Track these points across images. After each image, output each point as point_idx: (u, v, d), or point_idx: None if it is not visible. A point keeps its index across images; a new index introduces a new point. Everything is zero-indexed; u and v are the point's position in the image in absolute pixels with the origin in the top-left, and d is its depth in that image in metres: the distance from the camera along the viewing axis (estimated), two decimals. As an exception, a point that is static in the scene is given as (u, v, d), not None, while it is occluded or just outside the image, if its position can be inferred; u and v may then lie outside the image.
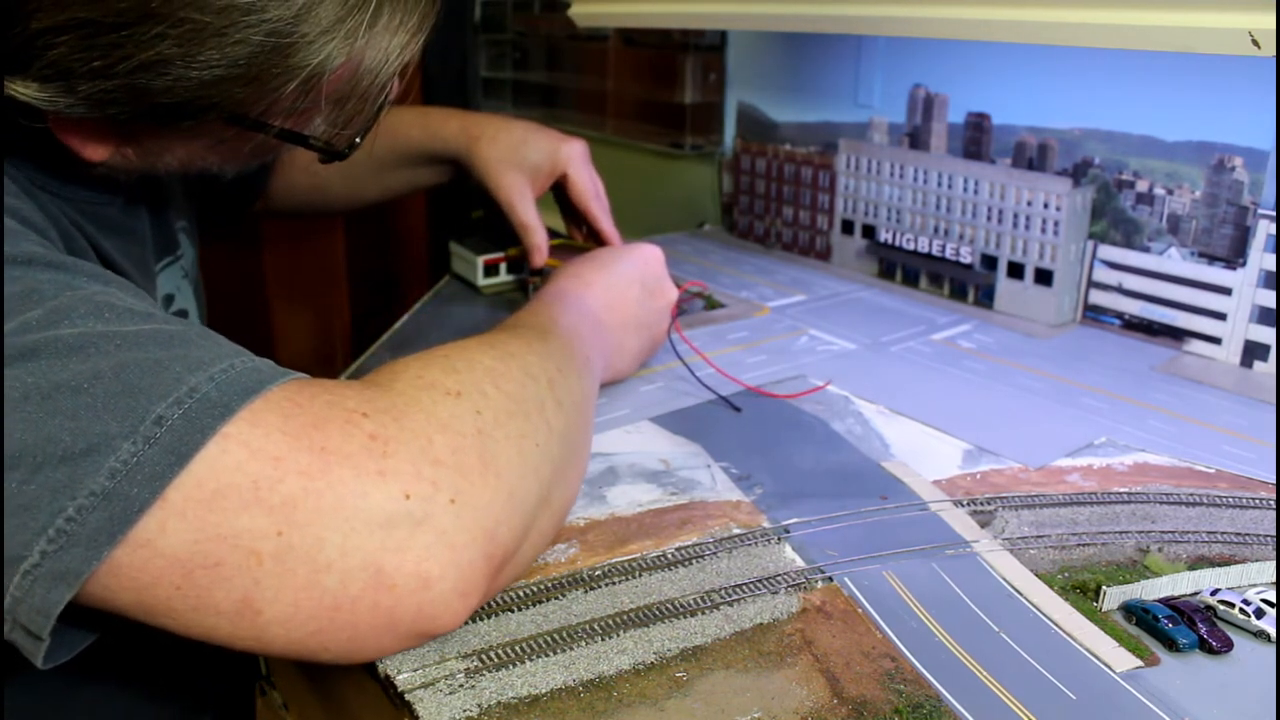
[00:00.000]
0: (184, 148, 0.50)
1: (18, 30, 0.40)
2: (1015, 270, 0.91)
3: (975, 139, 0.93)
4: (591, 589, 0.48)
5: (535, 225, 0.87)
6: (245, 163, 0.54)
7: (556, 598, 0.47)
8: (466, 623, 0.45)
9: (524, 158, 0.86)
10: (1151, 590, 0.48)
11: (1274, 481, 0.59)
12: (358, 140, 0.51)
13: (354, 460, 0.39)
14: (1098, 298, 0.88)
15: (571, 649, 0.44)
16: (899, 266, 1.02)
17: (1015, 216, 0.90)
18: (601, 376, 0.65)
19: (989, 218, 0.92)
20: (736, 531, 0.53)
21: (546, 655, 0.43)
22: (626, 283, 0.69)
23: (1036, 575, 0.50)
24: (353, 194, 0.96)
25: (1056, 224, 0.86)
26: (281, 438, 0.38)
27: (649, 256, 0.72)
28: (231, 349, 0.41)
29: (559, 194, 0.92)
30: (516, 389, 0.47)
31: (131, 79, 0.41)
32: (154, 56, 0.41)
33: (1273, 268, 0.75)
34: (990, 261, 0.93)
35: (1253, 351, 0.78)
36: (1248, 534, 0.54)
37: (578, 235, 0.94)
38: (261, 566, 0.37)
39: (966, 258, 0.95)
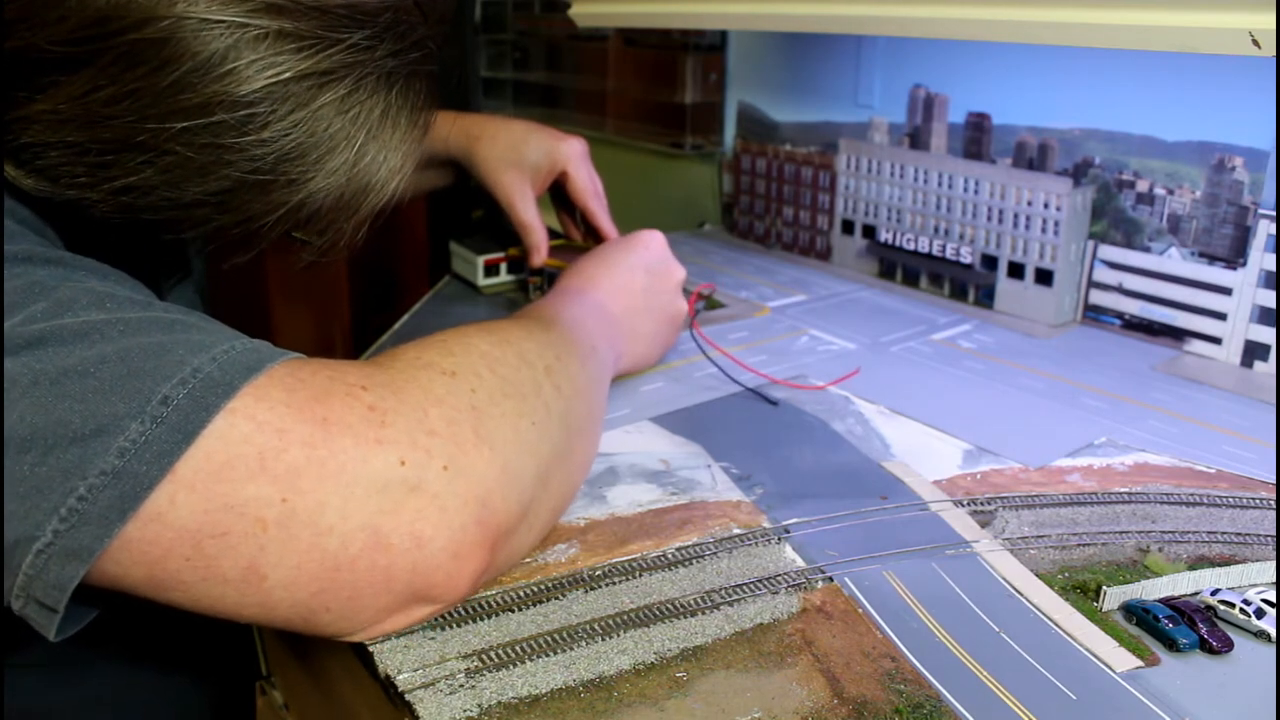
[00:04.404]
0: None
1: (10, 138, 0.41)
2: (1015, 270, 0.91)
3: (975, 139, 0.93)
4: (592, 589, 0.48)
5: (535, 225, 0.87)
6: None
7: (557, 598, 0.47)
8: (466, 623, 0.45)
9: (524, 157, 0.87)
10: (1152, 590, 0.48)
11: (1274, 481, 0.59)
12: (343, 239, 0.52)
13: (354, 430, 0.40)
14: (1098, 298, 0.88)
15: (572, 649, 0.44)
16: (899, 266, 1.02)
17: (1015, 216, 0.90)
18: (619, 364, 0.66)
19: (989, 218, 0.92)
20: (737, 531, 0.53)
21: (547, 655, 0.43)
22: (630, 271, 0.70)
23: (1036, 575, 0.50)
24: None
25: (1057, 224, 0.86)
26: (286, 410, 0.39)
27: (649, 242, 0.73)
28: (230, 332, 0.42)
29: (555, 192, 0.92)
30: (511, 373, 0.48)
31: (115, 197, 0.42)
32: (138, 182, 0.42)
33: (1273, 268, 0.75)
34: (990, 261, 0.93)
35: (1253, 351, 0.78)
36: (1248, 534, 0.54)
37: (575, 233, 0.94)
38: (266, 533, 0.39)
39: (967, 258, 0.95)
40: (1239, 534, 0.54)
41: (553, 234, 0.90)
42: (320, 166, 0.44)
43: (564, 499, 0.52)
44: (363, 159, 0.46)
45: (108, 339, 0.38)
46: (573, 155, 0.88)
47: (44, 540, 0.36)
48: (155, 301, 0.43)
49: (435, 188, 0.95)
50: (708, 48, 1.21)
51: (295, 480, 0.39)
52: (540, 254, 0.87)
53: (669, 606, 0.47)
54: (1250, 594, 0.47)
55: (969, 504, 0.56)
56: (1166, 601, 0.47)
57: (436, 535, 0.41)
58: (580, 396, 0.53)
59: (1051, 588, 0.48)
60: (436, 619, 0.45)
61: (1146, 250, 0.83)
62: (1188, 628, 0.45)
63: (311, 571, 0.40)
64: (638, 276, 0.70)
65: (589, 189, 0.88)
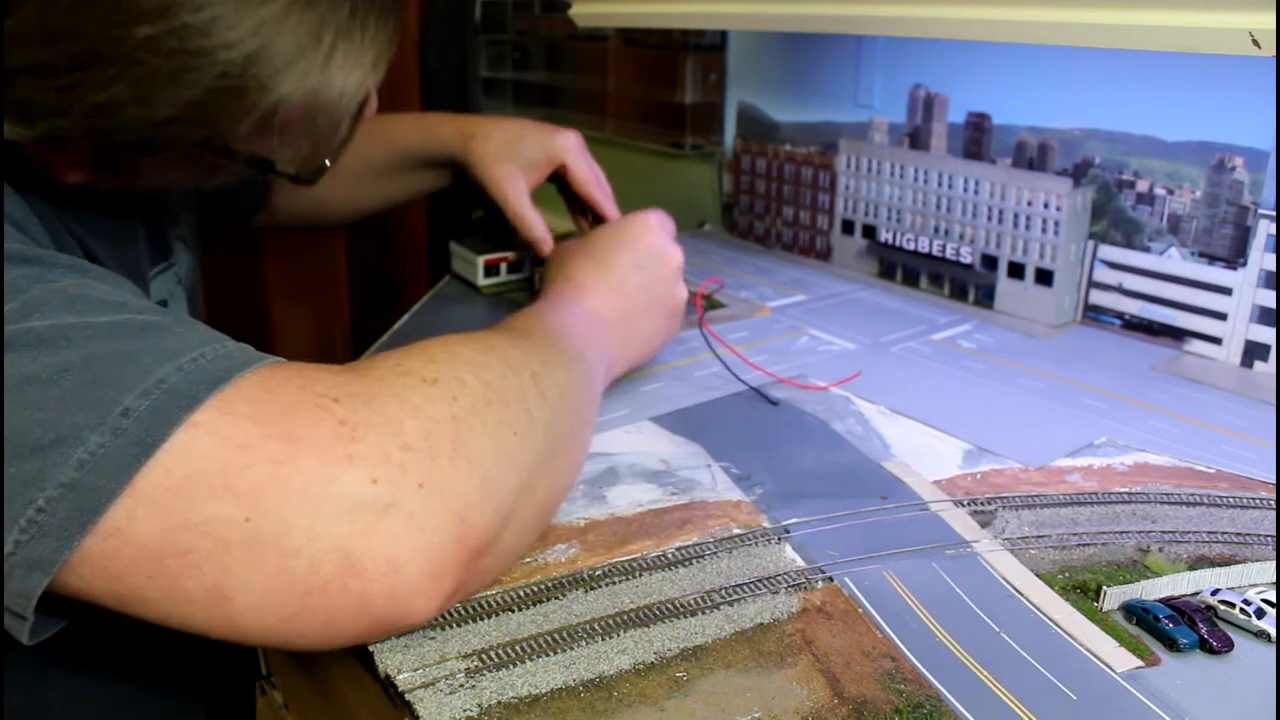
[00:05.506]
0: (157, 172, 0.51)
1: None
2: (1015, 270, 0.91)
3: (975, 139, 0.93)
4: (592, 589, 0.48)
5: (529, 216, 0.86)
6: (228, 181, 0.54)
7: (557, 598, 0.47)
8: (466, 623, 0.45)
9: (518, 152, 0.86)
10: (1152, 590, 0.48)
11: (1274, 481, 0.59)
12: (328, 163, 0.52)
13: (321, 446, 0.39)
14: (1098, 298, 0.88)
15: (572, 649, 0.44)
16: (899, 266, 1.02)
17: (1015, 216, 0.90)
18: (614, 370, 0.65)
19: (989, 218, 0.92)
20: (737, 531, 0.53)
21: (547, 655, 0.43)
22: (621, 270, 0.68)
23: (1037, 575, 0.50)
24: (353, 204, 0.96)
25: (1057, 224, 0.86)
26: (250, 425, 0.38)
27: (640, 232, 0.71)
28: (206, 336, 0.41)
29: (562, 186, 0.91)
30: (496, 379, 0.47)
31: (87, 120, 0.42)
32: (108, 99, 0.41)
33: (1273, 268, 0.75)
34: (990, 261, 0.93)
35: (1253, 351, 0.78)
36: (1248, 534, 0.54)
37: (585, 225, 0.94)
38: (230, 554, 0.37)
39: (967, 258, 0.95)
40: (1239, 534, 0.54)
41: (559, 236, 0.90)
42: (291, 68, 0.43)
43: (550, 506, 0.51)
44: (333, 60, 0.45)
45: (74, 345, 0.38)
46: (569, 147, 0.87)
47: (7, 549, 0.36)
48: (131, 302, 0.42)
49: (433, 188, 0.95)
50: (708, 48, 1.21)
51: (259, 499, 0.37)
52: (547, 244, 0.87)
53: (669, 606, 0.47)
54: (1250, 594, 0.47)
55: (969, 504, 0.56)
56: (1166, 601, 0.47)
57: (413, 558, 0.39)
58: (566, 403, 0.52)
59: (1051, 588, 0.48)
60: (436, 619, 0.45)
61: (1146, 250, 0.83)
62: (1188, 628, 0.45)
63: (280, 596, 0.38)
64: (629, 276, 0.68)
65: (589, 178, 0.88)
